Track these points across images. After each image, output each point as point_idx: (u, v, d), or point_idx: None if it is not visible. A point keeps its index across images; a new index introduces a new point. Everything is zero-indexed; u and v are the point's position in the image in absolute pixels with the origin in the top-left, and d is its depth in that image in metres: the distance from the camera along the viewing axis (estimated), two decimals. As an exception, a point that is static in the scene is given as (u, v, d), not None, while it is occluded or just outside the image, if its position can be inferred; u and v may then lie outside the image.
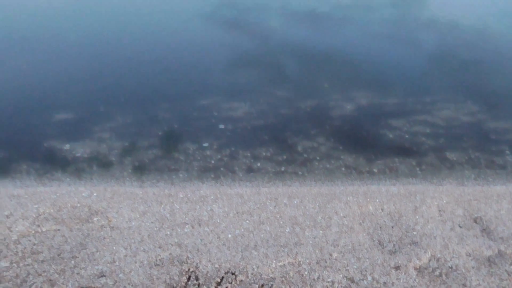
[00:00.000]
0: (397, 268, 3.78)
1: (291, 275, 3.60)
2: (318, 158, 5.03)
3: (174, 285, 3.57)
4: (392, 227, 4.27)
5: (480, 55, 7.87)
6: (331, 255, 3.88)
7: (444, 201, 4.65)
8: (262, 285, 3.73)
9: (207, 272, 3.70)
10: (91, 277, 3.62)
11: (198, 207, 4.46)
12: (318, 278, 3.63)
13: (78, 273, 3.65)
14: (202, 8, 8.93)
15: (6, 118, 5.21)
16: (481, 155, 5.27)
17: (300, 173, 4.85)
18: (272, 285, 3.68)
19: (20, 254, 3.77)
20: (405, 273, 3.73)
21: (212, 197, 4.61)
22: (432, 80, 6.82)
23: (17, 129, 5.08)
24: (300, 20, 9.32)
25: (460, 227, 4.28)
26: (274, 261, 3.78)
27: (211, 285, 3.71)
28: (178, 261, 3.70)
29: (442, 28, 9.52)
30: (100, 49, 6.72)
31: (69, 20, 7.39)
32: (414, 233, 4.19)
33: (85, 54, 6.55)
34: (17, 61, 6.17)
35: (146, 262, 3.72)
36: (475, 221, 4.45)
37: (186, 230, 4.17)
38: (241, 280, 3.68)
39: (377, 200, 4.58)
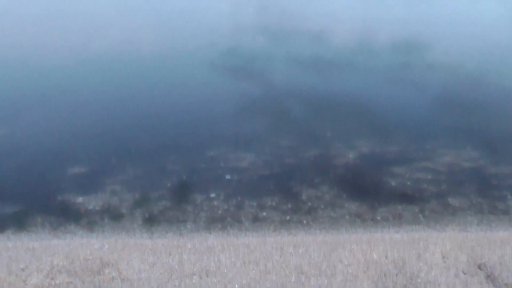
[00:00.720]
0: (403, 316, 3.77)
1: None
2: (322, 206, 5.17)
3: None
4: (397, 274, 4.32)
5: (480, 100, 8.09)
6: (337, 304, 3.89)
7: (448, 247, 4.71)
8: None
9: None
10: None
11: (206, 257, 4.57)
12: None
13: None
14: (209, 56, 9.38)
15: (22, 173, 5.49)
16: (483, 200, 5.35)
17: (305, 221, 4.97)
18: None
19: (33, 307, 3.86)
20: (412, 322, 3.72)
21: (219, 247, 4.73)
22: (432, 126, 7.02)
23: (33, 183, 5.33)
24: (304, 67, 9.72)
25: (464, 273, 4.31)
26: (281, 311, 3.80)
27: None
28: (186, 312, 3.75)
29: (442, 73, 9.83)
30: (109, 103, 7.08)
31: (81, 76, 7.84)
32: (419, 280, 4.23)
33: (96, 109, 6.91)
34: (32, 118, 6.53)
35: (155, 313, 3.78)
36: (479, 267, 4.48)
37: (194, 281, 4.25)
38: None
39: (381, 248, 4.65)
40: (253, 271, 4.49)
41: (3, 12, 11.50)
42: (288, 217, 5.10)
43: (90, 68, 8.09)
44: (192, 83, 7.94)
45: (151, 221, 5.03)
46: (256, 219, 5.08)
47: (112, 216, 5.06)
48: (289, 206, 5.22)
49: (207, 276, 4.37)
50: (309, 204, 5.31)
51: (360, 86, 8.47)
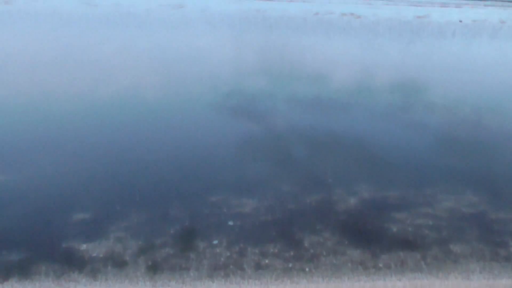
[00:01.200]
0: None
1: None
2: (324, 253, 5.19)
3: None
4: (401, 324, 4.28)
5: (480, 143, 8.23)
6: None
7: (452, 296, 4.68)
8: None
9: None
10: None
11: (208, 306, 4.55)
12: None
13: None
14: (210, 97, 9.58)
15: (25, 220, 5.56)
16: (485, 247, 5.37)
17: (307, 269, 4.98)
18: None
19: None
20: None
21: (221, 295, 4.72)
22: (432, 170, 7.12)
23: (36, 230, 5.39)
24: (304, 108, 9.92)
25: (469, 324, 4.26)
26: None
27: None
28: None
29: (442, 115, 10.03)
30: (113, 148, 7.22)
31: (84, 121, 8.03)
32: (423, 331, 4.18)
33: (100, 154, 7.05)
34: (35, 163, 6.66)
35: None
36: (484, 317, 4.43)
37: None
38: None
39: (384, 296, 4.63)
40: (256, 321, 4.45)
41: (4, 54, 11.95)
42: (290, 265, 5.11)
43: (93, 112, 8.29)
44: (194, 127, 8.16)
45: (154, 269, 5.05)
46: (258, 267, 5.10)
47: (115, 264, 5.09)
48: (292, 253, 5.25)
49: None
50: (311, 251, 5.34)
51: (359, 128, 8.65)
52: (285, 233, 5.49)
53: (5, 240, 5.29)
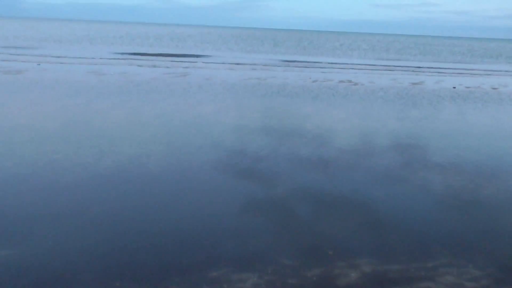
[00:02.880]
0: None
1: None
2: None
3: None
4: None
5: (481, 208, 8.24)
6: None
7: None
8: None
9: None
10: None
11: None
12: None
13: None
14: (211, 156, 9.74)
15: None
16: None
17: None
18: None
19: None
20: None
21: None
22: (432, 241, 7.10)
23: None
24: (304, 172, 10.05)
25: None
26: None
27: None
28: None
29: (444, 174, 10.13)
30: (111, 222, 7.28)
31: (84, 195, 8.16)
32: None
33: (99, 228, 7.10)
34: (38, 239, 6.70)
35: None
36: None
37: None
38: None
39: None
40: None
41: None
42: None
43: (94, 179, 8.44)
44: (194, 195, 8.25)
45: None
46: None
47: None
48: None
49: None
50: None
51: (358, 193, 8.74)
52: (286, 310, 5.39)
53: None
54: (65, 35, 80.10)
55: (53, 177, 8.35)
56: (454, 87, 26.24)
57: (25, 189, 7.74)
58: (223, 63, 36.66)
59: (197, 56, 44.58)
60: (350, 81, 26.96)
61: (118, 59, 33.70)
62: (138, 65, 29.30)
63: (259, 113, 15.54)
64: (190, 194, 8.02)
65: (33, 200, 7.32)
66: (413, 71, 36.70)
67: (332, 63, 41.74)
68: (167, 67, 30.56)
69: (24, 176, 8.33)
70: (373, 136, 13.02)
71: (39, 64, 26.85)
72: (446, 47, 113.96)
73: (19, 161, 9.19)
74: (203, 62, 35.30)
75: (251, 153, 10.62)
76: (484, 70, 42.87)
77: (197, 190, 8.23)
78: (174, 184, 8.49)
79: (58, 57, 33.58)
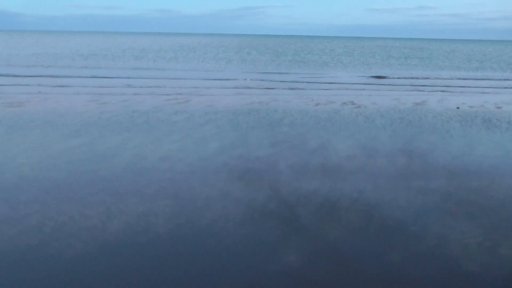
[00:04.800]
0: None
1: None
2: None
3: None
4: None
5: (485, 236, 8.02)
6: None
7: None
8: None
9: None
10: None
11: None
12: None
13: None
14: (212, 161, 9.53)
15: None
16: None
17: None
18: None
19: None
20: None
21: None
22: (437, 263, 6.90)
23: None
24: (309, 175, 9.84)
25: None
26: None
27: None
28: None
29: (447, 183, 9.93)
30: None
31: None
32: None
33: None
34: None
35: None
36: None
37: None
38: None
39: None
40: None
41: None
42: None
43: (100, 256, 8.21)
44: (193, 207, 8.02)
45: None
46: None
47: None
48: None
49: None
50: None
51: (364, 197, 8.58)
52: None
53: None
54: (67, 51, 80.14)
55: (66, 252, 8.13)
56: (458, 108, 26.09)
57: (35, 265, 7.51)
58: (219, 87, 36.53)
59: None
60: (353, 103, 26.81)
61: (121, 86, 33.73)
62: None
63: (265, 142, 15.36)
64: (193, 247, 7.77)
65: (38, 277, 7.10)
66: (415, 88, 36.58)
67: (332, 81, 41.68)
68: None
69: (31, 247, 8.12)
70: (371, 185, 12.81)
71: (40, 92, 26.74)
72: (445, 53, 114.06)
73: (22, 228, 8.99)
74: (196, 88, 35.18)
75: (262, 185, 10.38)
76: (487, 80, 42.74)
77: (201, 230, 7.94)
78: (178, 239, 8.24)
79: (61, 86, 33.57)
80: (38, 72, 41.59)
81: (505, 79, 46.14)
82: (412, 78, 44.82)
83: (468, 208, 10.67)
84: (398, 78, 44.89)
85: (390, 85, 37.53)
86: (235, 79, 38.84)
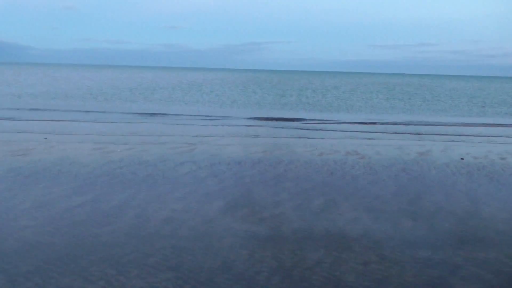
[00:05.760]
0: None
1: None
2: None
3: None
4: None
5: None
6: None
7: None
8: None
9: None
10: None
11: None
12: None
13: None
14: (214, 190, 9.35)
15: None
16: None
17: None
18: None
19: None
20: None
21: None
22: None
23: None
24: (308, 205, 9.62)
25: None
26: None
27: None
28: None
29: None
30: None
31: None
32: None
33: None
34: None
35: None
36: None
37: None
38: None
39: None
40: None
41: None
42: None
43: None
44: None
45: None
46: None
47: None
48: None
49: None
50: None
51: (369, 223, 8.16)
52: None
53: None
54: (74, 90, 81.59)
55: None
56: (462, 159, 26.07)
57: None
58: (224, 126, 36.93)
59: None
60: (357, 153, 26.87)
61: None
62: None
63: (273, 200, 15.28)
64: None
65: None
66: (419, 136, 36.74)
67: (336, 128, 42.07)
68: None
69: None
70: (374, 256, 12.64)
71: (46, 139, 27.04)
72: (448, 91, 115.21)
73: None
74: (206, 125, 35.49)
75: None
76: (491, 127, 42.92)
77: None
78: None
79: (67, 133, 34.06)
80: (46, 116, 42.26)
81: (509, 125, 46.32)
82: (416, 124, 45.08)
83: (478, 286, 10.45)
84: (403, 124, 45.15)
85: (395, 133, 37.66)
86: (240, 126, 39.17)
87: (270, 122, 41.88)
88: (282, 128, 38.03)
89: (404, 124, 43.87)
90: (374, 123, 44.68)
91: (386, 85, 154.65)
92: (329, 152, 26.67)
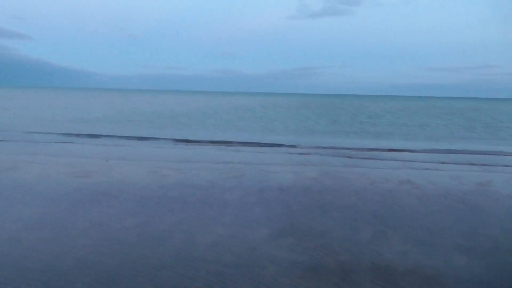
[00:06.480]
0: None
1: None
2: None
3: None
4: None
5: None
6: None
7: None
8: None
9: None
10: None
11: None
12: None
13: None
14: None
15: None
16: None
17: None
18: None
19: None
20: None
21: None
22: None
23: None
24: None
25: None
26: None
27: None
28: None
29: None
30: None
31: None
32: None
33: None
34: None
35: None
36: None
37: None
38: None
39: None
40: None
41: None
42: None
43: None
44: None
45: None
46: None
47: None
48: None
49: None
50: None
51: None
52: None
53: None
54: (137, 115, 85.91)
55: None
56: (526, 192, 24.36)
57: None
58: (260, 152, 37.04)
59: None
60: (410, 182, 25.95)
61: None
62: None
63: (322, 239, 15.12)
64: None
65: None
66: (480, 165, 34.84)
67: (389, 157, 40.89)
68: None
69: None
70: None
71: (107, 161, 28.59)
72: (511, 117, 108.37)
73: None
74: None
75: None
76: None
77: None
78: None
79: (126, 158, 35.89)
80: (107, 141, 44.77)
81: None
82: (477, 153, 42.77)
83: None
84: (462, 152, 43.01)
85: (453, 162, 35.92)
86: (291, 153, 39.24)
87: (321, 150, 41.56)
88: (333, 156, 37.60)
89: (463, 153, 41.74)
90: (431, 151, 42.96)
91: (445, 109, 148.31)
92: (380, 181, 25.96)
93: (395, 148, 43.69)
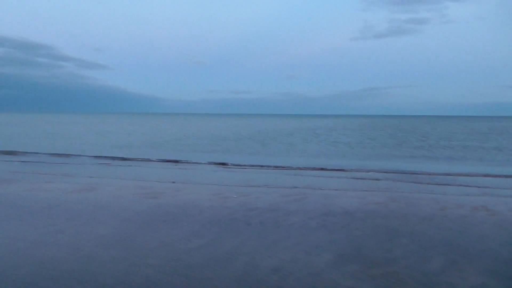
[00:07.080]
0: None
1: None
2: None
3: None
4: None
5: None
6: None
7: None
8: None
9: None
10: None
11: None
12: None
13: None
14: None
15: None
16: None
17: None
18: None
19: None
20: None
21: None
22: None
23: None
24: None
25: None
26: None
27: None
28: None
29: None
30: None
31: None
32: None
33: None
34: None
35: None
36: None
37: None
38: None
39: None
40: None
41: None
42: None
43: None
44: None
45: None
46: None
47: None
48: None
49: None
50: None
51: None
52: None
53: None
54: (204, 139, 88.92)
55: None
56: None
57: None
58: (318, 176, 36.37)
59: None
60: (486, 209, 24.20)
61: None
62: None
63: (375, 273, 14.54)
64: None
65: None
66: None
67: (462, 183, 38.62)
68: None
69: None
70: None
71: (174, 182, 29.74)
72: None
73: None
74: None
75: None
76: None
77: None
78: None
79: (191, 182, 37.01)
80: (174, 165, 46.58)
81: None
82: None
83: None
84: (545, 175, 39.37)
85: (534, 185, 32.98)
86: (355, 178, 38.30)
87: (387, 174, 39.99)
88: (400, 181, 36.05)
89: (547, 177, 38.14)
90: (509, 175, 39.77)
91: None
92: (452, 207, 24.44)
93: (468, 173, 41.06)
